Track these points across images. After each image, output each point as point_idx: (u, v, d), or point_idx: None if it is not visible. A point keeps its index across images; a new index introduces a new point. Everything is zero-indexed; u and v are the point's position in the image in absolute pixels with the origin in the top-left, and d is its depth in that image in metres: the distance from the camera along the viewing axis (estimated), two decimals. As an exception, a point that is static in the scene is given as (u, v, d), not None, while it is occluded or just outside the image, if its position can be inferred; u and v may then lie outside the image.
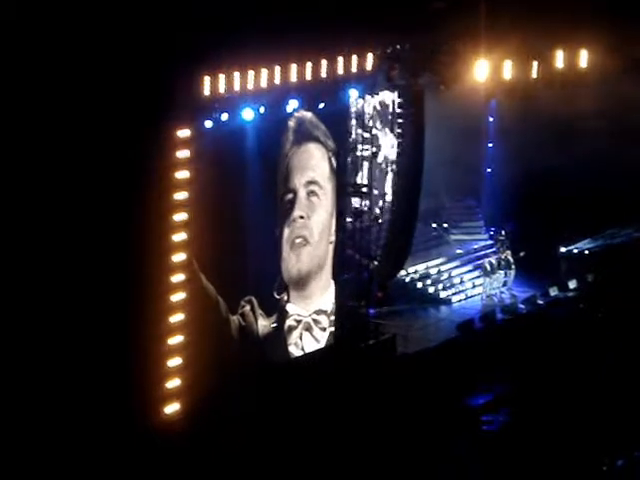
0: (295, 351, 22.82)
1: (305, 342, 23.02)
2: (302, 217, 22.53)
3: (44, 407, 17.88)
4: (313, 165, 22.83)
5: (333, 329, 23.62)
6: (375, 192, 25.62)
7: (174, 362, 19.60)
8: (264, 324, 22.03)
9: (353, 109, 23.98)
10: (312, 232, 22.86)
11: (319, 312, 23.30)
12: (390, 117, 25.94)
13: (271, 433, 20.21)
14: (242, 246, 21.11)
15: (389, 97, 25.65)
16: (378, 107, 25.69)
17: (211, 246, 20.07)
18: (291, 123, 22.06)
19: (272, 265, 22.13)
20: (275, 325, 22.29)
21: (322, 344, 23.40)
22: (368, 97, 24.26)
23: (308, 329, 23.05)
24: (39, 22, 17.80)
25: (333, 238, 23.53)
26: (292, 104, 21.42)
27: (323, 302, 23.41)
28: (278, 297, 22.29)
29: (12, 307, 17.73)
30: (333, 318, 23.61)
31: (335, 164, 23.28)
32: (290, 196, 22.30)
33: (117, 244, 18.51)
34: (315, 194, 22.81)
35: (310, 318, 23.11)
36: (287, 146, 22.10)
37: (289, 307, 22.59)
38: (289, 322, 22.66)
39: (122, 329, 18.48)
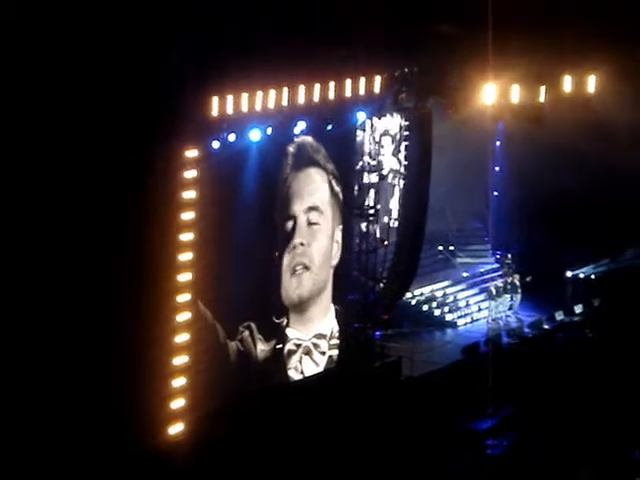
0: (295, 375, 22.67)
1: (305, 366, 22.86)
2: (302, 244, 22.36)
3: (46, 424, 17.83)
4: (313, 190, 22.68)
5: (332, 353, 23.46)
6: (381, 214, 25.61)
7: (178, 382, 19.58)
8: (263, 349, 21.85)
9: (360, 131, 23.97)
10: (313, 258, 22.70)
11: (319, 336, 23.14)
12: (397, 140, 25.95)
13: (274, 456, 20.17)
14: (241, 271, 20.86)
15: (396, 120, 25.67)
16: (385, 130, 25.67)
17: (209, 270, 19.96)
18: (291, 148, 21.93)
19: (272, 290, 21.95)
20: (274, 349, 22.11)
21: (321, 368, 23.23)
22: (375, 119, 24.26)
23: (308, 353, 22.91)
24: (43, 32, 17.84)
25: (334, 262, 23.38)
26: (300, 126, 21.45)
27: (323, 326, 23.26)
28: (278, 321, 22.18)
29: (16, 328, 17.72)
30: (333, 342, 23.44)
31: (337, 187, 23.17)
32: (290, 222, 22.16)
33: (123, 264, 18.52)
34: (315, 220, 22.65)
35: (310, 342, 22.95)
36: (287, 170, 21.97)
37: (289, 331, 22.43)
38: (289, 346, 22.49)
39: (127, 346, 18.48)
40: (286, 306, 22.34)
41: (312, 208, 22.56)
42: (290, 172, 22.05)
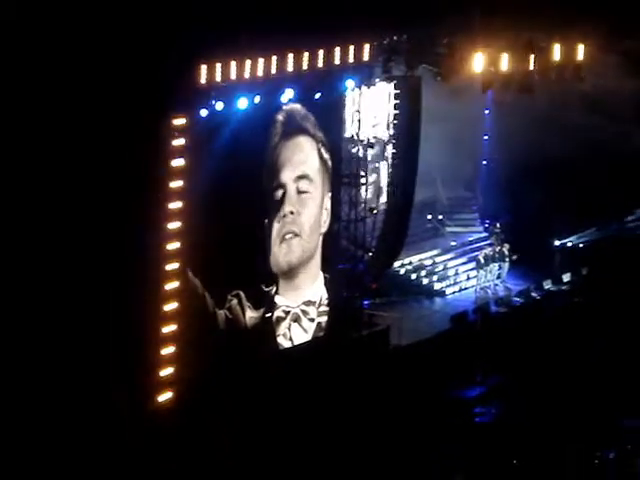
0: (284, 342, 22.67)
1: (293, 333, 22.86)
2: (292, 212, 22.29)
3: (37, 401, 17.88)
4: (303, 159, 22.58)
5: (321, 319, 23.47)
6: (370, 183, 25.58)
7: (167, 350, 19.60)
8: (252, 316, 21.83)
9: (349, 100, 23.89)
10: (302, 226, 22.67)
11: (308, 303, 23.14)
12: (386, 108, 25.87)
13: (262, 425, 20.23)
14: (229, 240, 20.78)
15: (385, 88, 25.59)
16: (374, 98, 25.58)
17: (197, 238, 19.90)
18: (279, 116, 21.77)
19: (260, 258, 21.91)
20: (263, 317, 22.07)
21: (310, 335, 23.24)
22: (364, 88, 24.17)
23: (296, 320, 22.88)
24: (39, 13, 17.74)
25: (324, 229, 23.35)
26: (288, 94, 21.36)
27: (312, 293, 23.25)
28: (266, 289, 22.17)
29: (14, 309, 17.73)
30: (321, 309, 23.47)
31: (326, 155, 23.09)
32: (280, 191, 22.05)
33: (113, 232, 18.49)
34: (305, 188, 22.57)
35: (299, 309, 22.94)
36: (275, 139, 21.84)
37: (277, 299, 22.41)
38: (277, 313, 22.47)
39: (116, 314, 18.48)
40: (275, 273, 22.31)
41: (302, 177, 22.49)
42: (279, 140, 21.91)
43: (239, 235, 21.12)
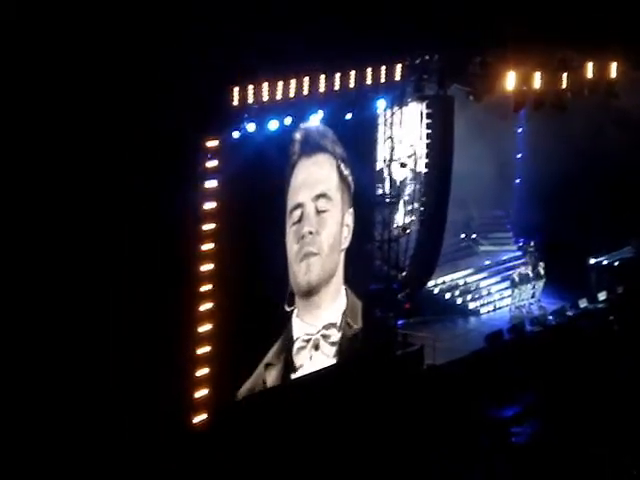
0: (307, 370, 22.33)
1: (314, 361, 22.51)
2: (311, 232, 22.10)
3: (69, 414, 17.98)
4: (321, 177, 22.36)
5: (342, 342, 23.06)
6: (403, 202, 25.58)
7: (203, 371, 19.67)
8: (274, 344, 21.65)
9: (381, 120, 23.92)
10: (322, 246, 22.44)
11: (328, 326, 22.79)
12: (419, 128, 25.90)
13: (297, 446, 20.23)
14: (253, 261, 20.65)
15: (418, 108, 25.61)
16: (407, 118, 25.59)
17: (229, 260, 19.91)
18: (297, 135, 21.59)
19: (280, 278, 21.64)
20: (283, 349, 21.78)
21: (332, 359, 22.89)
22: (396, 108, 24.20)
23: (317, 347, 22.54)
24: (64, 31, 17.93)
25: (344, 246, 23.05)
26: (319, 114, 21.42)
27: (332, 314, 22.92)
28: (289, 310, 21.92)
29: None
30: (342, 331, 23.09)
31: (346, 171, 22.80)
32: (299, 211, 21.86)
33: (146, 254, 18.61)
34: (324, 207, 22.36)
35: (319, 335, 22.60)
36: (294, 158, 21.67)
37: (296, 326, 22.00)
38: (298, 345, 22.07)
39: (150, 336, 18.59)
40: (295, 293, 22.08)
41: (320, 195, 22.27)
42: (297, 159, 21.75)
43: (262, 257, 20.96)
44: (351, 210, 23.16)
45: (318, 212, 22.26)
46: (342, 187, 22.87)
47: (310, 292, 22.40)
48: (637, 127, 28.63)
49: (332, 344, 22.88)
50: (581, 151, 28.19)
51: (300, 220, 21.91)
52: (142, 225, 18.57)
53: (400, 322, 24.80)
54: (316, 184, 22.22)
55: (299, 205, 21.91)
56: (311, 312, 22.46)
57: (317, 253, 22.35)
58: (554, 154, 28.09)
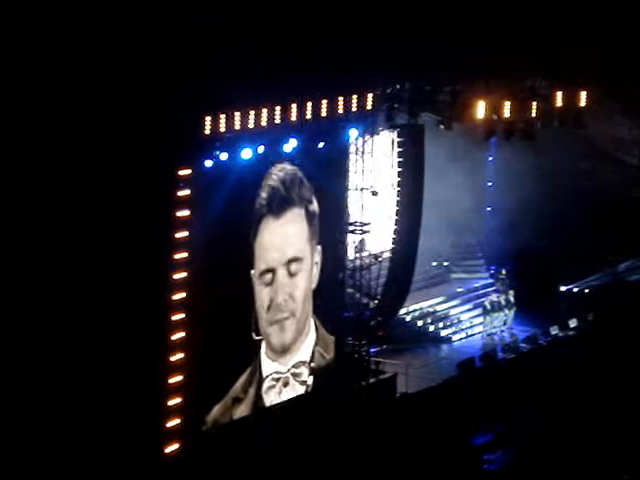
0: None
1: (284, 396, 22.25)
2: (285, 299, 21.77)
3: (41, 442, 17.92)
4: (292, 239, 21.95)
5: (310, 380, 22.82)
6: (375, 231, 25.62)
7: (174, 401, 19.59)
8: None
9: (353, 148, 24.01)
10: (296, 308, 22.15)
11: (298, 365, 22.56)
12: (390, 156, 26.02)
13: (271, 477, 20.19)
14: (221, 291, 20.38)
15: (389, 136, 25.73)
16: (378, 146, 25.71)
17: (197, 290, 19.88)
18: (263, 193, 21.03)
19: (248, 309, 21.30)
20: (252, 384, 21.49)
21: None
22: (368, 136, 24.30)
23: (287, 384, 22.31)
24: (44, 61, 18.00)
25: (314, 285, 22.73)
26: (292, 143, 21.48)
27: (303, 353, 22.67)
28: (257, 338, 21.47)
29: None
30: (312, 365, 22.86)
31: (313, 207, 22.41)
32: (269, 275, 21.43)
33: (119, 280, 18.57)
34: (296, 269, 22.01)
35: (289, 373, 22.38)
36: (261, 211, 21.09)
37: (265, 365, 21.68)
38: (267, 384, 21.81)
39: (125, 367, 18.56)
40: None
41: (292, 260, 21.95)
42: (263, 216, 21.16)
43: (231, 287, 20.68)
44: (319, 247, 22.94)
45: (291, 275, 21.97)
46: (311, 232, 22.51)
47: (284, 350, 22.11)
48: (607, 155, 28.94)
49: (302, 383, 22.68)
50: (551, 180, 28.41)
51: (271, 283, 21.53)
52: (112, 250, 18.54)
53: (373, 350, 24.80)
54: (287, 247, 21.81)
55: (270, 270, 21.47)
56: (282, 356, 22.18)
57: (291, 317, 22.11)
58: (524, 182, 28.29)
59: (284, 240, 21.74)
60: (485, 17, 24.82)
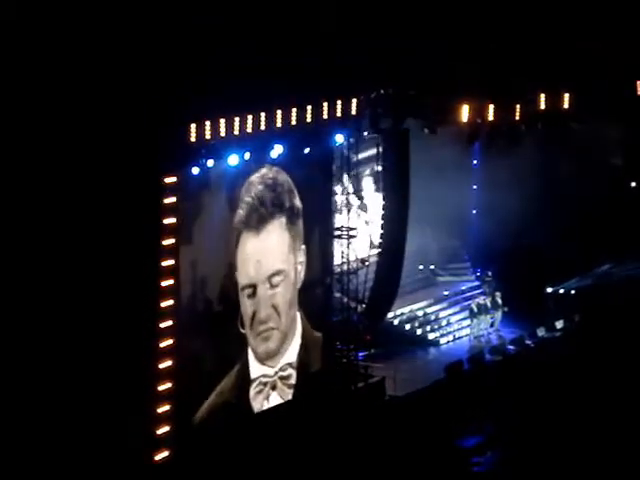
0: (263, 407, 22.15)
1: (271, 401, 22.25)
2: (268, 314, 21.73)
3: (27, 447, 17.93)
4: (273, 254, 21.84)
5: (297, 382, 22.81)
6: (361, 235, 25.70)
7: (164, 408, 19.62)
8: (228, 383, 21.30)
9: (338, 153, 24.08)
10: (280, 318, 22.10)
11: (285, 367, 22.51)
12: (375, 161, 26.10)
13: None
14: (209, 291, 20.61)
15: (374, 141, 25.81)
16: (363, 151, 25.79)
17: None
18: (240, 210, 20.96)
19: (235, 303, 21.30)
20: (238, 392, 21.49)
21: (289, 397, 22.64)
22: (353, 141, 24.36)
23: (274, 388, 22.31)
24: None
25: (299, 285, 22.69)
26: (277, 149, 21.55)
27: (290, 354, 22.65)
28: (243, 331, 21.41)
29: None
30: (299, 366, 22.80)
31: (297, 204, 22.40)
32: (249, 291, 21.35)
33: (103, 290, 18.60)
34: (278, 281, 21.93)
35: (277, 377, 22.36)
36: (239, 227, 21.04)
37: (253, 369, 21.68)
38: (255, 388, 21.79)
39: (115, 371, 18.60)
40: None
41: (274, 274, 21.90)
42: (241, 231, 21.12)
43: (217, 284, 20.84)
44: (303, 247, 22.92)
45: (272, 287, 21.90)
46: (293, 237, 22.36)
47: (269, 357, 22.09)
48: (591, 156, 29.07)
49: (289, 386, 22.69)
50: (536, 182, 28.51)
51: (254, 297, 21.48)
52: (100, 259, 18.56)
53: (361, 354, 24.86)
54: (268, 263, 21.70)
55: (251, 285, 21.39)
56: (270, 359, 22.17)
57: (275, 328, 22.08)
58: (509, 185, 28.39)
59: (264, 256, 21.61)
60: (466, 21, 24.95)
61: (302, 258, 22.95)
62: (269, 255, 21.77)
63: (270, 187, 21.72)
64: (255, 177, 21.41)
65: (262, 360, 21.93)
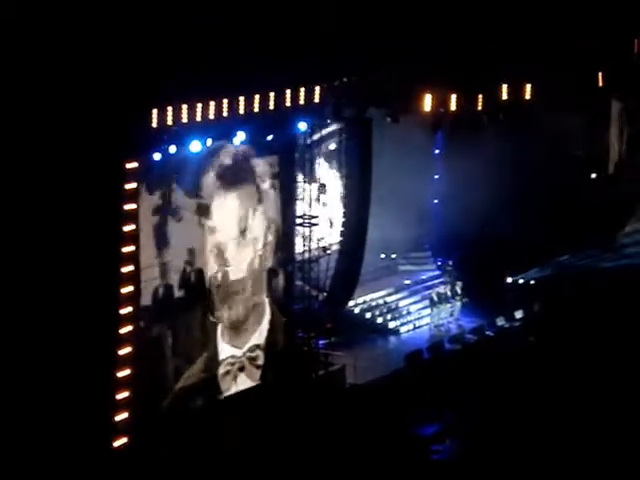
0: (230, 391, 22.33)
1: (239, 383, 22.46)
2: (235, 274, 22.01)
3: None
4: (242, 215, 22.20)
5: (266, 363, 23.01)
6: (323, 224, 25.71)
7: (122, 395, 19.54)
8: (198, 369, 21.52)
9: (300, 141, 24.06)
10: (245, 285, 22.35)
11: (253, 348, 22.74)
12: (338, 149, 26.10)
13: (221, 468, 20.20)
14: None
15: (337, 129, 25.80)
16: (326, 139, 25.79)
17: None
18: (211, 173, 21.35)
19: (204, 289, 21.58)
20: (207, 374, 21.72)
21: (256, 380, 22.84)
22: (316, 129, 24.36)
23: (242, 369, 22.51)
24: None
25: (268, 265, 23.04)
26: (240, 136, 21.49)
27: (258, 335, 22.85)
28: (213, 319, 21.74)
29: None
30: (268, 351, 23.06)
31: (266, 191, 22.80)
32: (219, 252, 21.66)
33: (62, 276, 18.48)
34: (246, 245, 22.27)
35: (245, 357, 22.58)
36: (211, 190, 21.42)
37: (222, 349, 21.95)
38: (223, 369, 22.03)
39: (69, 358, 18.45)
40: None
41: (242, 232, 22.19)
42: (214, 193, 21.48)
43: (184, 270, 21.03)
44: (273, 227, 23.15)
45: (240, 247, 22.16)
46: (263, 210, 22.78)
47: (237, 328, 22.29)
48: (553, 147, 29.23)
49: (257, 367, 22.81)
50: (498, 172, 28.62)
51: (222, 258, 21.77)
52: (59, 245, 18.45)
53: (322, 342, 24.90)
54: (237, 222, 22.07)
55: (220, 245, 21.72)
56: (238, 336, 22.38)
57: (241, 291, 22.28)
58: (471, 174, 28.49)
59: (233, 215, 21.97)
60: (432, 10, 24.97)
61: (270, 238, 23.16)
62: (239, 215, 22.09)
63: (232, 173, 21.77)
64: (217, 163, 21.39)
65: (230, 334, 22.04)
